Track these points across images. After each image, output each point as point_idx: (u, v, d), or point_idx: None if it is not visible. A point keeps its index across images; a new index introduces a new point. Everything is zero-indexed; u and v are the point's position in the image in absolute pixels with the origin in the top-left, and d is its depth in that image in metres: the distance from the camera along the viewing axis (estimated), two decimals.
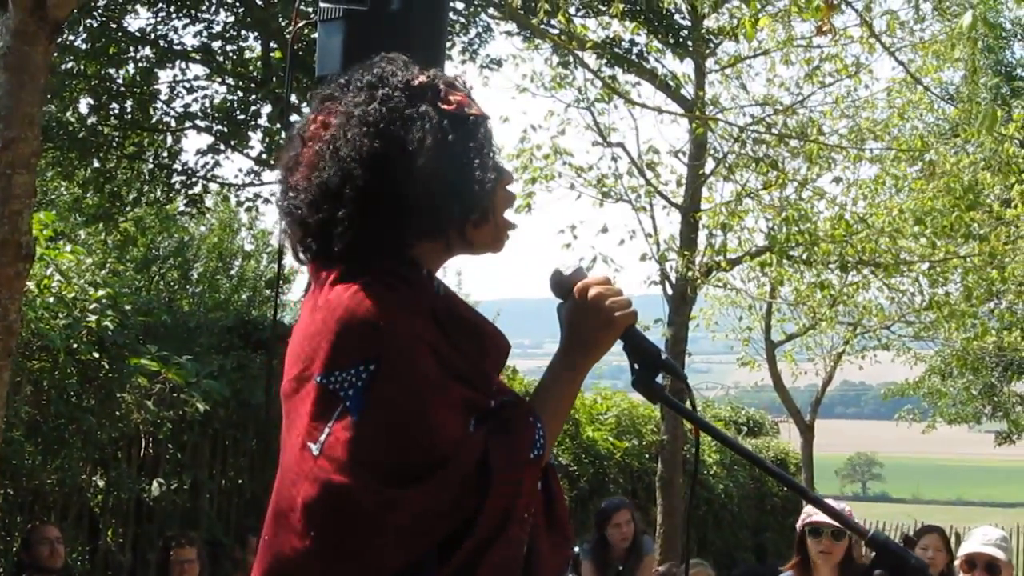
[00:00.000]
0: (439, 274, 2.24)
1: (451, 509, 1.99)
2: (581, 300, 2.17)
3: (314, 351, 2.06)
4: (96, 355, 8.03)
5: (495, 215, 2.18)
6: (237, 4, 14.22)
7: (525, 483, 2.05)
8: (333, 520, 1.97)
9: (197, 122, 14.84)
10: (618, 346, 2.23)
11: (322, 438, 2.00)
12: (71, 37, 13.45)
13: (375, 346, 2.00)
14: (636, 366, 2.20)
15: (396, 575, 1.98)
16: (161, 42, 14.34)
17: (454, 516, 1.99)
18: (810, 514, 5.19)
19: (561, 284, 2.21)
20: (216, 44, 14.52)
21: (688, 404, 2.30)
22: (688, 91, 12.24)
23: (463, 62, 14.81)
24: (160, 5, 14.20)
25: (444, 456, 1.99)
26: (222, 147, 14.90)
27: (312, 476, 1.99)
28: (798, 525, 5.26)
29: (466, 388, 2.07)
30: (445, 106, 2.14)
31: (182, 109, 14.93)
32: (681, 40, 12.46)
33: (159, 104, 15.08)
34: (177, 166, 15.54)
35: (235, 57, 14.71)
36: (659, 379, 2.22)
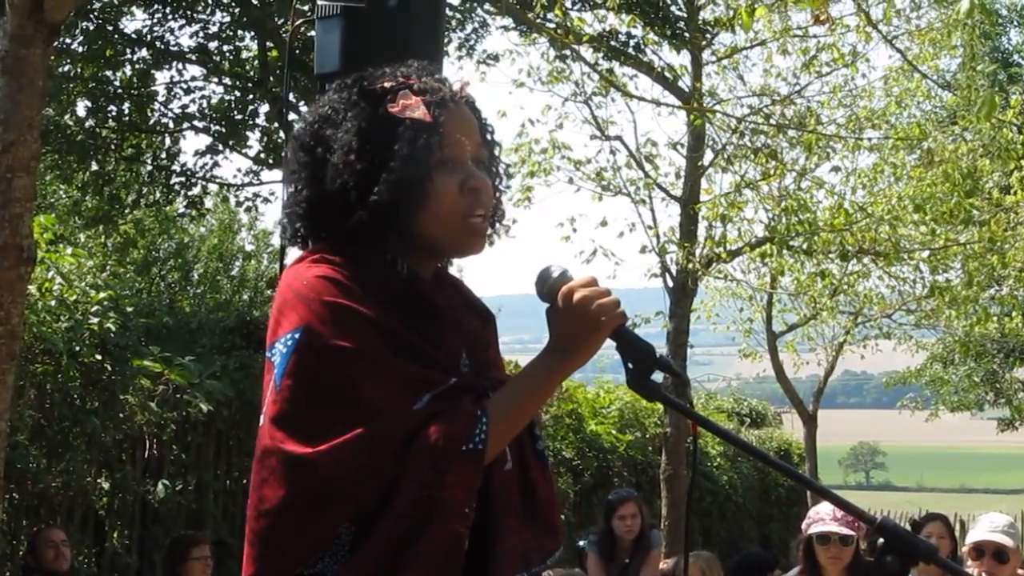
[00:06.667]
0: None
1: (361, 476, 1.98)
2: (566, 304, 2.12)
3: (268, 332, 2.16)
4: (99, 357, 8.02)
5: (443, 213, 2.18)
6: (233, 4, 14.21)
7: (452, 475, 2.00)
8: (262, 482, 2.05)
9: (195, 123, 14.84)
10: None
11: (264, 408, 2.09)
12: (68, 40, 13.45)
13: (302, 316, 2.07)
14: (630, 365, 2.16)
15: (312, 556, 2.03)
16: (158, 43, 14.33)
17: (365, 486, 1.99)
18: (814, 520, 5.17)
19: (546, 288, 2.17)
20: (213, 44, 14.51)
21: (685, 401, 2.29)
22: (685, 83, 12.21)
23: (460, 58, 14.82)
24: (156, 6, 14.19)
25: (359, 422, 2.00)
26: (220, 147, 14.91)
27: (258, 445, 2.09)
28: (803, 527, 5.25)
29: (418, 364, 2.09)
30: (392, 109, 2.19)
31: (180, 110, 14.94)
32: (678, 31, 12.44)
33: (157, 105, 15.08)
34: (176, 167, 15.55)
35: (232, 57, 14.71)
36: (657, 376, 2.19)
